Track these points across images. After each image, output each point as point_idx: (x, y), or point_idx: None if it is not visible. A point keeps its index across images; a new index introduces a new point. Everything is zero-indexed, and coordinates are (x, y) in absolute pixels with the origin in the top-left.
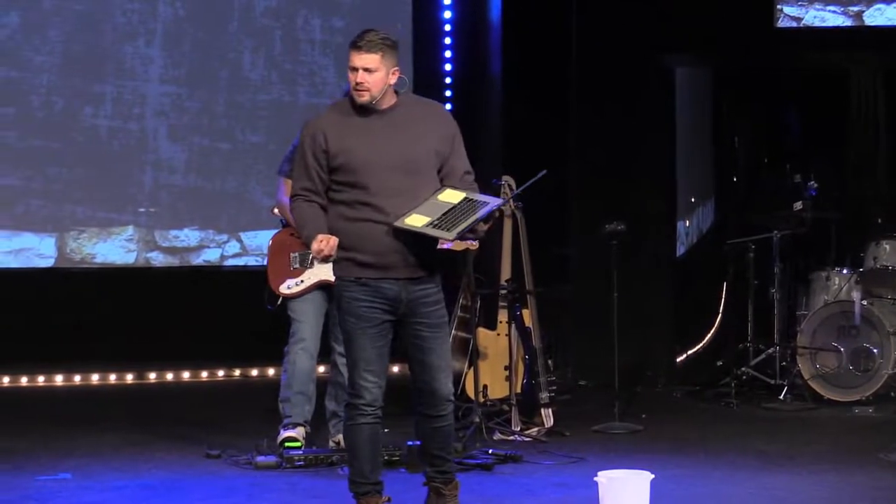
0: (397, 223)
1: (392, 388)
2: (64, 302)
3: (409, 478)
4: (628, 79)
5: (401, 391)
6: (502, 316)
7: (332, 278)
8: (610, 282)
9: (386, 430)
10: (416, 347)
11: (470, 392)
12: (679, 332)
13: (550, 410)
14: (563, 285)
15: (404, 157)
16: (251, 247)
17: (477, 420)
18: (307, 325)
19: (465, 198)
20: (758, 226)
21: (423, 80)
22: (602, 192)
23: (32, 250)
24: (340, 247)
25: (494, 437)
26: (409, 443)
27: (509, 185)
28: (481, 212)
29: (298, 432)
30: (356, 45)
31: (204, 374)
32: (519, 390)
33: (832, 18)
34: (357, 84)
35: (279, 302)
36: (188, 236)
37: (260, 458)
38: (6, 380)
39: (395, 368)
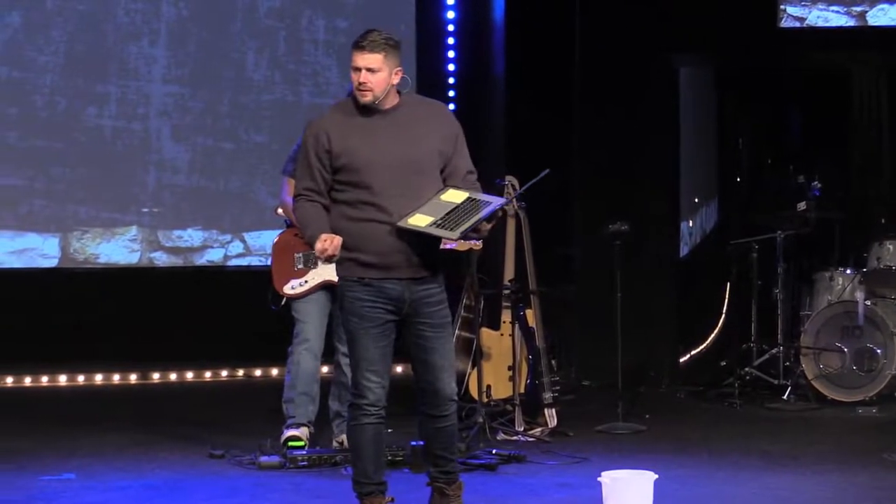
0: (401, 223)
1: (396, 388)
2: (67, 302)
3: (413, 478)
4: (632, 79)
5: (404, 391)
6: (506, 316)
7: (336, 279)
8: (613, 282)
9: (389, 430)
10: (420, 347)
11: (473, 392)
12: (682, 333)
13: (554, 410)
14: (566, 285)
15: (407, 157)
16: (254, 247)
17: (480, 420)
18: (311, 325)
19: (469, 197)
20: (761, 226)
21: (427, 80)
22: (605, 193)
23: (36, 250)
24: (343, 247)
25: (498, 438)
26: (413, 443)
27: (512, 185)
28: (484, 211)
29: (302, 432)
30: (359, 45)
31: (207, 375)
32: (522, 390)
33: (835, 18)
34: (360, 84)
35: (283, 302)
36: (192, 236)
37: (263, 459)
38: (10, 380)
39: (399, 369)
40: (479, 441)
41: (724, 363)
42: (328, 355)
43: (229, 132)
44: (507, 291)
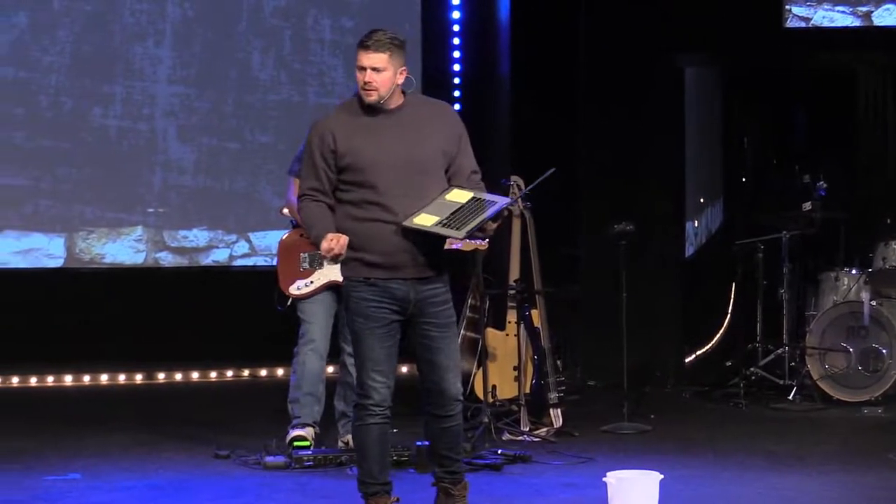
0: (406, 223)
1: (401, 388)
2: (72, 302)
3: (418, 478)
4: (637, 79)
5: (410, 391)
6: (511, 316)
7: (342, 279)
8: (618, 282)
9: (395, 431)
10: (425, 347)
11: (479, 392)
12: (688, 333)
13: (559, 411)
14: (571, 285)
15: (412, 157)
16: (260, 247)
17: (486, 420)
18: (317, 325)
19: (473, 197)
20: (767, 226)
21: (432, 80)
22: (610, 193)
23: (41, 250)
24: (349, 247)
25: (503, 438)
26: (418, 443)
27: (518, 185)
28: (490, 211)
29: (308, 432)
30: (364, 45)
31: (213, 375)
32: (528, 390)
33: (841, 19)
34: (365, 83)
35: (289, 303)
36: (197, 236)
37: (269, 459)
38: (15, 380)
39: (404, 369)
40: (485, 441)
41: (729, 363)
42: (334, 355)
43: (235, 132)
44: (512, 291)
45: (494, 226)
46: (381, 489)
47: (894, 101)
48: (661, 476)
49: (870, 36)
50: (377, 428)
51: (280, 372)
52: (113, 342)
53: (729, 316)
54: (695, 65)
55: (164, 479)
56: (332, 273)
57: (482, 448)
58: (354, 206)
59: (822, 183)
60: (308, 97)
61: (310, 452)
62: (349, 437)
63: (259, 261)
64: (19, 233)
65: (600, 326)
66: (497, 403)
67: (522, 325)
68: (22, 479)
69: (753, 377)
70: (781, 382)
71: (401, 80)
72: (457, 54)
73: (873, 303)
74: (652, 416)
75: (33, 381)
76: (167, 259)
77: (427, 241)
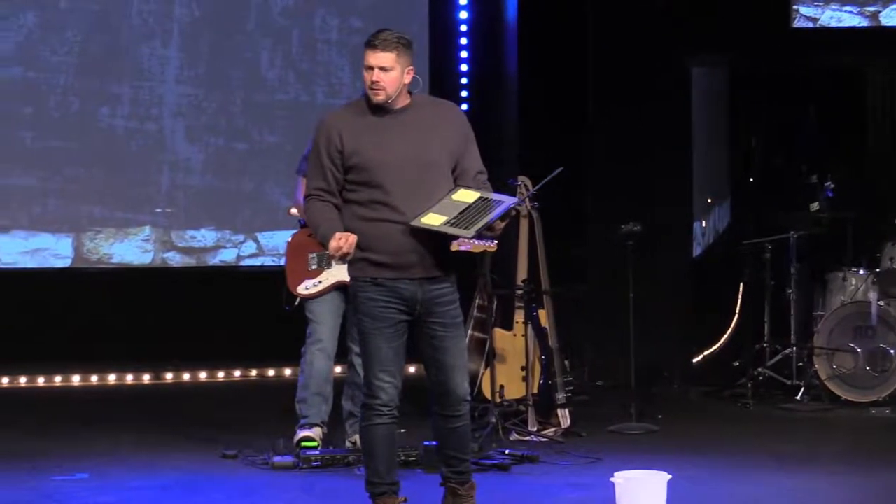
0: (414, 222)
1: (409, 388)
2: (80, 302)
3: (426, 478)
4: (644, 79)
5: (417, 391)
6: (519, 316)
7: (349, 279)
8: (626, 282)
9: (402, 431)
10: (432, 347)
11: (486, 392)
12: (695, 333)
13: (567, 411)
14: (579, 286)
15: (419, 157)
16: (268, 247)
17: (493, 420)
18: (325, 326)
19: (480, 197)
20: (774, 226)
21: (440, 80)
22: (618, 192)
23: (49, 250)
24: (356, 246)
25: (511, 438)
26: (426, 443)
27: (525, 185)
28: (498, 210)
29: (315, 432)
30: (371, 44)
31: (220, 375)
32: (535, 391)
33: (848, 19)
34: (372, 83)
35: (297, 302)
36: (205, 237)
37: (276, 459)
38: (23, 380)
39: (412, 369)
40: (492, 441)
41: (737, 363)
42: (341, 356)
43: (243, 132)
44: (519, 292)
45: (502, 225)
46: (388, 489)
47: None
48: (669, 476)
49: (877, 36)
50: (384, 428)
51: (288, 372)
52: (121, 342)
53: (736, 316)
54: (702, 65)
55: (172, 479)
56: (340, 273)
57: (490, 448)
58: (361, 206)
59: (829, 183)
60: (316, 97)
61: (317, 452)
62: (357, 437)
63: (267, 261)
64: (27, 233)
65: (608, 327)
66: (505, 403)
67: (530, 326)
68: (30, 479)
69: (761, 377)
70: (789, 383)
71: (408, 79)
72: (464, 54)
73: (881, 303)
74: (659, 417)
75: (41, 380)
76: (175, 259)
77: (434, 241)
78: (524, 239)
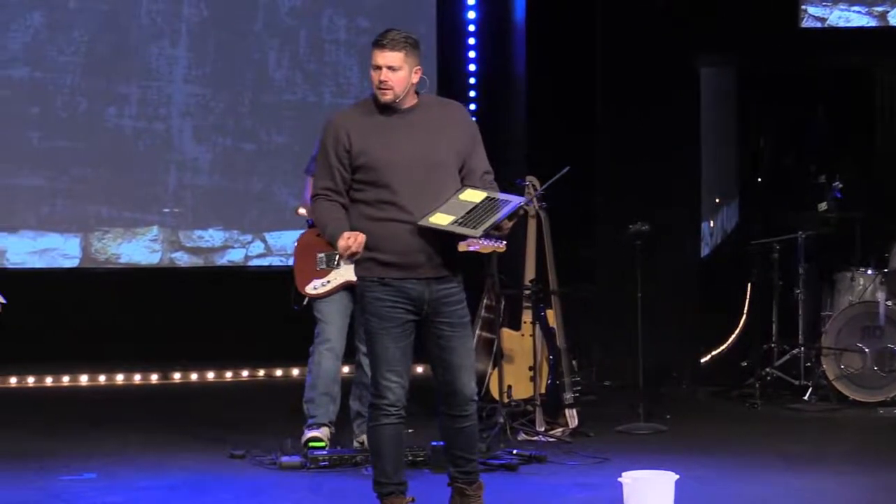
0: (422, 222)
1: (416, 388)
2: (88, 302)
3: (434, 478)
4: (653, 79)
5: (425, 391)
6: (526, 316)
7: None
8: (634, 282)
9: (410, 431)
10: (439, 347)
11: (494, 392)
12: (703, 333)
13: (575, 411)
14: (587, 286)
15: (426, 157)
16: (275, 247)
17: (501, 420)
18: (333, 325)
19: (487, 196)
20: (782, 226)
21: (448, 81)
22: (626, 192)
23: (57, 250)
24: (364, 246)
25: (519, 438)
26: (434, 443)
27: (533, 185)
28: (505, 209)
29: (323, 433)
30: (379, 44)
31: (228, 375)
32: (543, 391)
33: (856, 19)
34: (380, 82)
35: (305, 302)
36: (213, 237)
37: (284, 459)
38: (31, 380)
39: (419, 369)
40: (500, 441)
41: (745, 363)
42: (349, 355)
43: (250, 132)
44: (527, 292)
45: (510, 224)
46: (395, 489)
47: None
48: (677, 476)
49: (886, 36)
50: (392, 428)
51: (295, 372)
52: (129, 342)
53: (744, 316)
54: (710, 65)
55: (180, 479)
56: (348, 273)
57: (497, 448)
58: (369, 206)
59: (837, 183)
60: (324, 97)
61: (325, 452)
62: (364, 437)
63: (274, 261)
64: (35, 233)
65: (616, 326)
66: (512, 404)
67: (538, 326)
68: (38, 479)
69: (769, 377)
70: (797, 383)
71: (415, 79)
72: (472, 54)
73: (889, 303)
74: (667, 417)
75: (49, 380)
76: (183, 259)
77: (442, 241)
78: (532, 239)
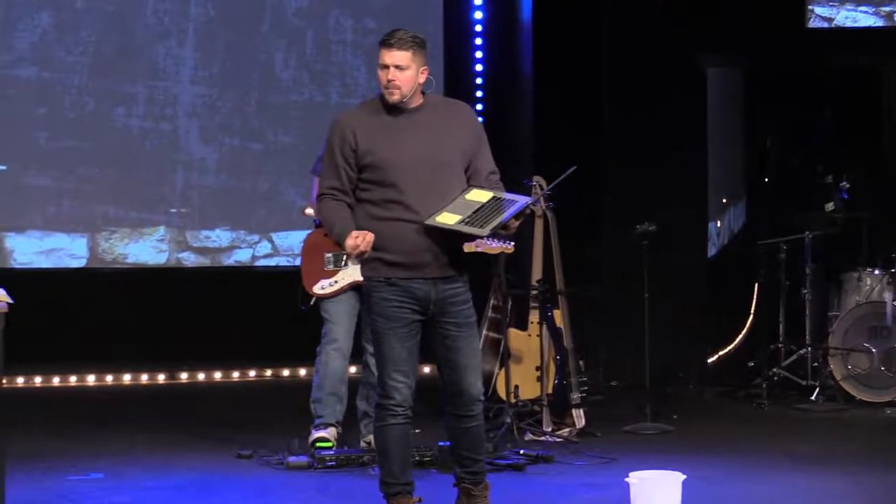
0: (429, 221)
1: (424, 388)
2: (95, 302)
3: (441, 478)
4: (660, 79)
5: (432, 391)
6: (533, 316)
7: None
8: (641, 282)
9: (417, 431)
10: (445, 347)
11: (501, 393)
12: (710, 333)
13: (582, 411)
14: (594, 286)
15: (432, 157)
16: (282, 247)
17: (508, 421)
18: (340, 326)
19: (494, 196)
20: (789, 226)
21: (454, 81)
22: (633, 193)
23: (64, 250)
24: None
25: (526, 438)
26: (441, 443)
27: (540, 185)
28: (512, 209)
29: (330, 433)
30: (387, 43)
31: (235, 375)
32: (550, 391)
33: (863, 19)
34: (388, 81)
35: (312, 302)
36: (219, 237)
37: (291, 459)
38: (38, 380)
39: (427, 369)
40: (507, 441)
41: (752, 364)
42: (357, 356)
43: (257, 133)
44: (534, 292)
45: (517, 224)
46: (402, 489)
47: None
48: (684, 476)
49: (893, 36)
50: (398, 428)
51: (302, 372)
52: (136, 342)
53: (751, 316)
54: (717, 65)
55: (187, 479)
56: (355, 273)
57: (504, 448)
58: (375, 206)
59: (844, 183)
60: (330, 97)
61: (332, 452)
62: (371, 437)
63: (281, 261)
64: (42, 233)
65: (622, 327)
66: (519, 404)
67: (545, 326)
68: (45, 479)
69: (776, 378)
70: (804, 383)
71: (422, 79)
72: (479, 54)
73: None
74: (674, 417)
75: (56, 380)
76: (190, 259)
77: (448, 241)
78: (539, 239)
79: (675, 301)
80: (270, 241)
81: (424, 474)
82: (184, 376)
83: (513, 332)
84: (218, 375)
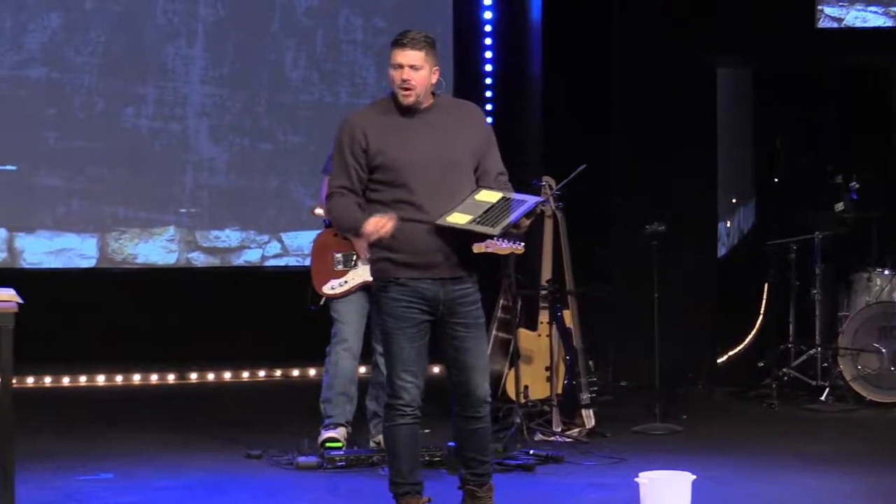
0: (439, 221)
1: (433, 388)
2: (104, 302)
3: (450, 478)
4: (669, 79)
5: (442, 392)
6: (543, 316)
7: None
8: (650, 282)
9: (427, 431)
10: (453, 347)
11: (511, 393)
12: (720, 333)
13: (591, 411)
14: (603, 286)
15: (442, 157)
16: (292, 247)
17: (518, 421)
18: (350, 326)
19: (503, 197)
20: (799, 226)
21: (464, 81)
22: (642, 193)
23: (74, 251)
24: (379, 246)
25: (535, 438)
26: (450, 443)
27: (549, 186)
28: (522, 208)
29: (340, 433)
30: (400, 43)
31: (245, 375)
32: (560, 391)
33: (873, 19)
34: (403, 81)
35: (322, 302)
36: (229, 237)
37: (301, 459)
38: (48, 380)
39: (436, 369)
40: (517, 441)
41: (761, 364)
42: (366, 356)
43: (267, 133)
44: (544, 292)
45: (528, 223)
46: (411, 489)
47: None
48: (694, 477)
49: None
50: (407, 428)
51: (312, 372)
52: (145, 342)
53: (761, 316)
54: (727, 65)
55: (197, 480)
56: (365, 273)
57: (514, 448)
58: (386, 206)
59: (854, 183)
60: (340, 97)
61: (342, 452)
62: (381, 437)
63: (291, 261)
64: (52, 233)
65: (632, 327)
66: (529, 404)
67: (554, 326)
68: (54, 479)
69: (786, 378)
70: (814, 383)
71: (434, 79)
72: (489, 54)
73: None
74: (684, 417)
75: (65, 380)
76: (199, 259)
77: (458, 241)
78: (548, 239)
79: (684, 301)
80: (280, 241)
81: (434, 474)
82: (193, 376)
83: (523, 333)
84: (227, 375)
